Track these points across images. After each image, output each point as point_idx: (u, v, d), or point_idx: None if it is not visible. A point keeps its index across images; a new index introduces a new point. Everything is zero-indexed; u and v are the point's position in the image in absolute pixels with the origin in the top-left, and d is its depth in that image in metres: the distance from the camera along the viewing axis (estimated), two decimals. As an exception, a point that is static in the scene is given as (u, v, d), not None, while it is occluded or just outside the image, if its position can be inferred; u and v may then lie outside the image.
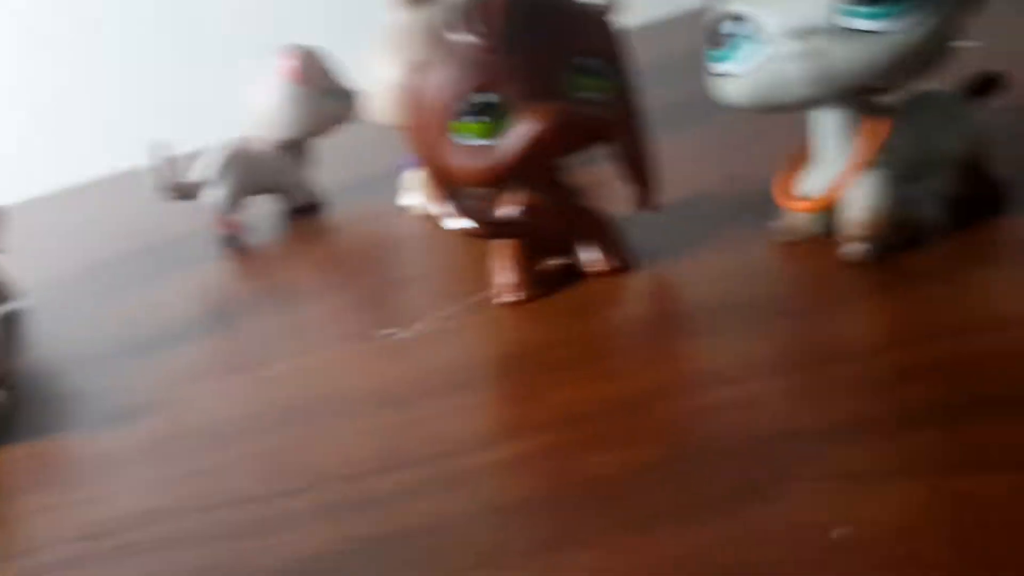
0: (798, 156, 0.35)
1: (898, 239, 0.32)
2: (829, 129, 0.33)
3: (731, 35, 0.31)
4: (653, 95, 0.64)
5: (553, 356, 0.32)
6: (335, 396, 0.34)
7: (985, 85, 0.36)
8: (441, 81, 0.33)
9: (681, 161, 0.50)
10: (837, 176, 0.33)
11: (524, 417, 0.29)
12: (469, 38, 0.32)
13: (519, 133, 0.33)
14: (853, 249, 0.32)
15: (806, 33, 0.29)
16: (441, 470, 0.27)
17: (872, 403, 0.24)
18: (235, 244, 0.60)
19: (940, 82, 0.34)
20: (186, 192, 0.59)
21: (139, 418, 0.36)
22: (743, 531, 0.21)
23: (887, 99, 0.32)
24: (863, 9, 0.28)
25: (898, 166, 0.33)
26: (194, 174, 0.59)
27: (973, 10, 0.30)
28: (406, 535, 0.24)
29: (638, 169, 0.38)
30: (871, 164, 0.32)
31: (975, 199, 0.34)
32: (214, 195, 0.59)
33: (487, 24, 0.32)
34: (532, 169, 0.34)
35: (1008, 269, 0.29)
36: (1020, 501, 0.19)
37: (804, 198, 0.34)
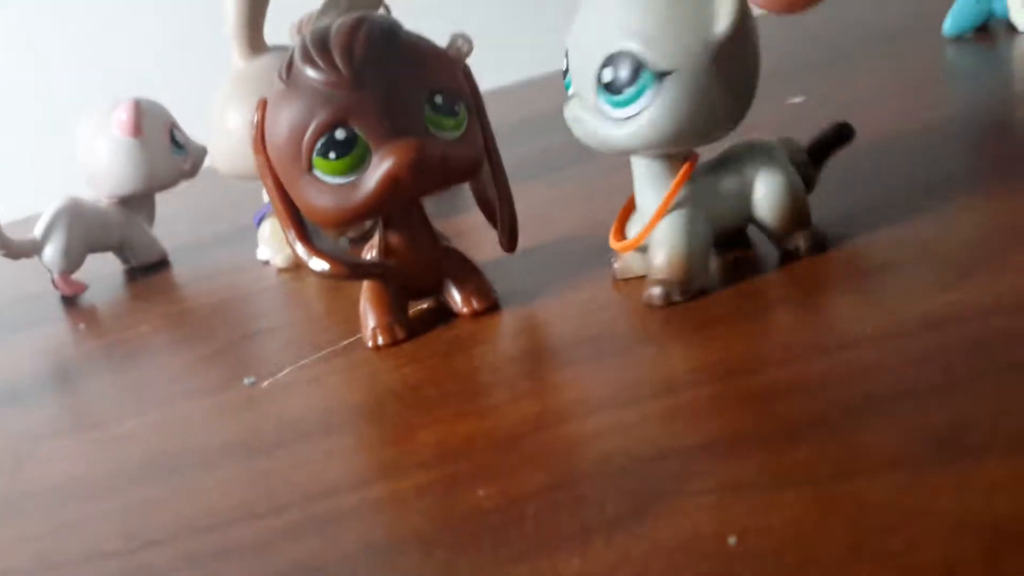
0: (630, 200, 0.36)
1: (691, 286, 0.33)
2: (641, 172, 0.34)
3: (565, 71, 0.33)
4: (520, 148, 0.65)
5: (425, 396, 0.31)
6: (194, 449, 0.32)
7: (838, 135, 0.37)
8: (294, 117, 0.32)
9: (542, 208, 0.51)
10: (647, 220, 0.34)
11: (399, 457, 0.27)
12: (323, 73, 0.32)
13: (377, 170, 0.32)
14: (649, 292, 0.33)
15: (576, 99, 0.32)
16: (314, 513, 0.25)
17: (746, 420, 0.24)
18: (76, 303, 0.56)
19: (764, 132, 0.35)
20: (21, 250, 0.56)
21: (-25, 482, 0.33)
22: (640, 547, 0.20)
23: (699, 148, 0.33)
24: (608, 96, 0.31)
25: (708, 212, 0.33)
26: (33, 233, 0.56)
27: (709, 107, 0.31)
28: (280, 581, 0.23)
29: (498, 208, 0.38)
30: (678, 208, 0.33)
31: (793, 251, 0.34)
32: (48, 253, 0.56)
33: (341, 58, 0.32)
34: (392, 207, 0.34)
35: (848, 295, 0.31)
36: (906, 499, 0.20)
37: (626, 240, 0.35)
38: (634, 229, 0.35)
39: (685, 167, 0.33)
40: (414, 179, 0.32)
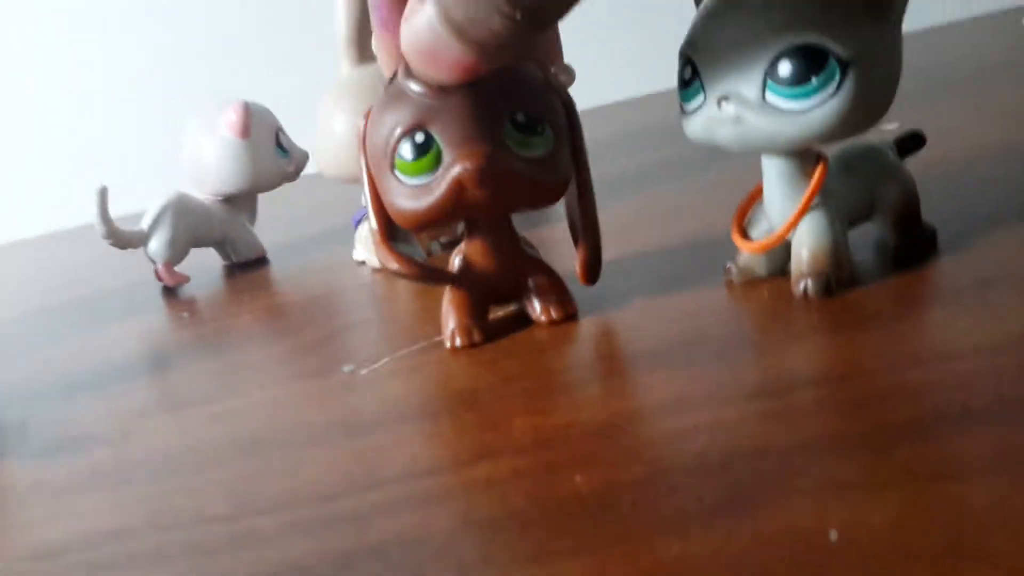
0: (750, 199, 0.37)
1: (843, 277, 0.34)
2: (775, 174, 0.34)
3: (690, 79, 0.33)
4: (615, 164, 0.66)
5: (518, 388, 0.32)
6: (297, 427, 0.33)
7: (911, 141, 0.39)
8: (387, 121, 0.34)
9: (628, 222, 0.51)
10: (784, 218, 0.34)
11: (497, 441, 0.28)
12: (416, 84, 0.33)
13: (446, 174, 0.33)
14: (802, 285, 0.34)
15: (731, 101, 0.32)
16: (417, 489, 0.26)
17: (845, 423, 0.25)
18: (177, 294, 0.59)
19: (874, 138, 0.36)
20: (128, 241, 0.58)
21: (87, 448, 0.35)
22: (740, 536, 0.21)
23: (828, 148, 0.34)
24: (783, 89, 0.31)
25: (840, 210, 0.34)
26: (140, 225, 0.59)
27: (883, 95, 0.32)
28: (383, 549, 0.24)
29: (582, 242, 0.37)
30: (815, 207, 0.34)
31: (910, 246, 0.36)
32: (154, 244, 0.59)
33: None
34: (462, 214, 0.35)
35: (947, 310, 0.31)
36: (1007, 502, 0.20)
37: (755, 240, 0.36)
38: (758, 229, 0.36)
39: (821, 166, 0.33)
40: (479, 187, 0.33)
